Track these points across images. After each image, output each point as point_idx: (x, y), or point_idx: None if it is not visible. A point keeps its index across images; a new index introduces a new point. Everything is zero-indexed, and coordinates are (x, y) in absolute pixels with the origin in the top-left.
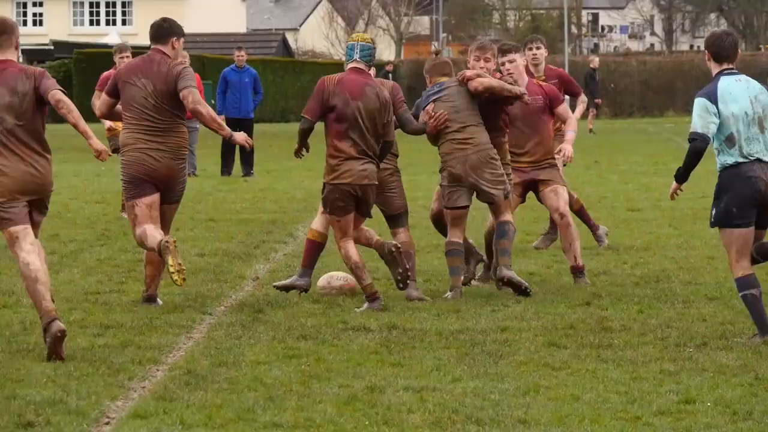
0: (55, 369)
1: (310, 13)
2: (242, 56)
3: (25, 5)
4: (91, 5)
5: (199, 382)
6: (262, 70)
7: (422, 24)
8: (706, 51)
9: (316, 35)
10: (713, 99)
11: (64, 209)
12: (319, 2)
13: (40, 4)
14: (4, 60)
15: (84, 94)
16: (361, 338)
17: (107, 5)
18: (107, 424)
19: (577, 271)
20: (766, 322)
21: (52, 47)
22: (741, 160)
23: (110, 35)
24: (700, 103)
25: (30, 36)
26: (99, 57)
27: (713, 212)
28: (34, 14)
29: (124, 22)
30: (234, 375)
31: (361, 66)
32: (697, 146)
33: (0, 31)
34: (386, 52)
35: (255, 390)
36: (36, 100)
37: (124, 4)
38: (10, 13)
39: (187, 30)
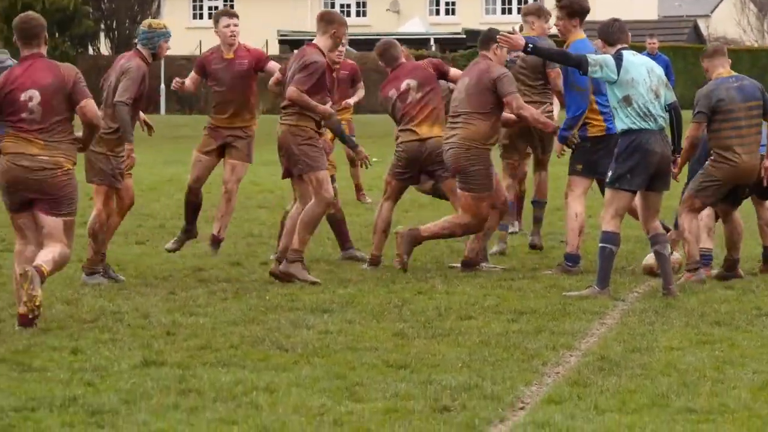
0: (470, 354)
1: (722, 0)
2: (654, 44)
3: None
4: None
5: (613, 367)
6: (673, 57)
7: None
8: (600, 40)
9: (728, 22)
10: (618, 62)
11: None
12: None
13: None
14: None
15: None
16: None
17: None
18: (522, 409)
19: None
20: (607, 279)
21: (464, 36)
22: (641, 125)
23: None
24: (608, 57)
25: (443, 25)
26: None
27: (610, 173)
28: (447, 3)
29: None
30: (647, 361)
31: None
32: (580, 59)
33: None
34: None
35: (668, 375)
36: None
37: None
38: (424, 1)
39: (590, 18)
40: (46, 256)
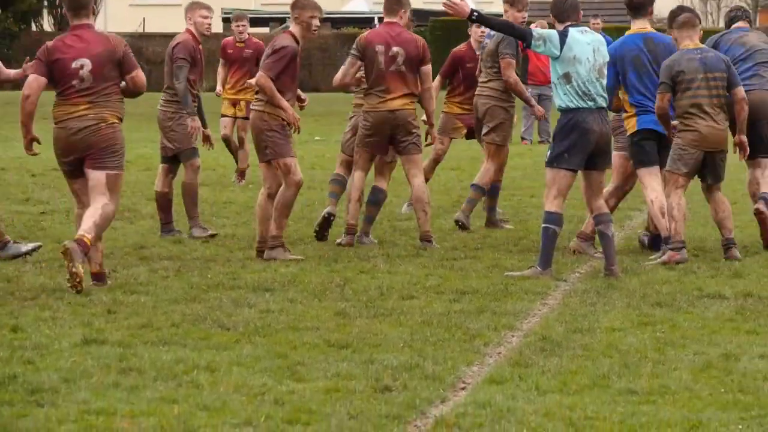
0: (412, 334)
1: None
2: (598, 24)
3: None
4: None
5: (554, 348)
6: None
7: None
8: (551, 16)
9: (672, 3)
10: (562, 38)
11: None
12: None
13: None
14: None
15: (436, 63)
16: (716, 306)
17: None
18: (463, 389)
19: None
20: (550, 259)
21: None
22: (579, 104)
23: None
24: (553, 32)
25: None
26: (453, 25)
27: (548, 152)
28: None
29: None
30: (589, 341)
31: None
32: (523, 31)
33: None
34: None
35: (610, 356)
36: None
37: None
38: None
39: None
40: (87, 222)
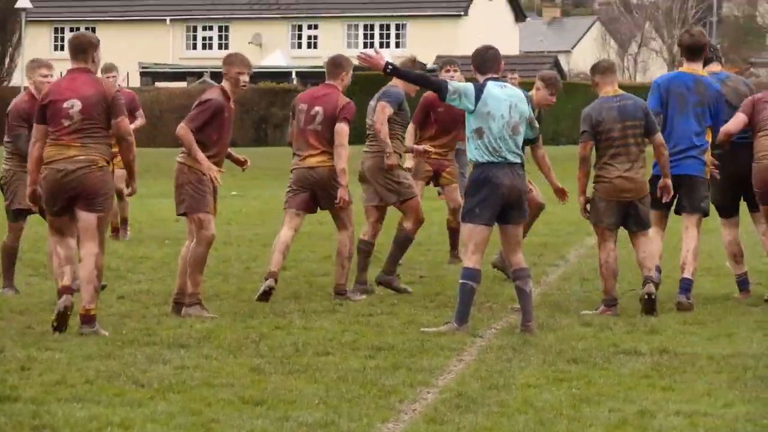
0: (327, 391)
1: (583, 36)
2: (515, 79)
3: (300, 28)
4: (365, 27)
5: (470, 404)
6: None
7: None
8: (472, 65)
9: (589, 57)
10: (478, 93)
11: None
12: (592, 24)
13: (315, 27)
14: None
15: (358, 116)
16: (632, 362)
17: (381, 27)
18: None
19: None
20: (466, 316)
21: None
22: (490, 158)
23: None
24: (470, 86)
25: (305, 59)
26: (371, 78)
27: (463, 207)
28: (309, 37)
29: (397, 45)
30: (504, 398)
31: None
32: (440, 83)
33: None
34: (658, 74)
35: (525, 413)
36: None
37: (398, 27)
38: (286, 35)
39: (461, 52)
40: (88, 292)
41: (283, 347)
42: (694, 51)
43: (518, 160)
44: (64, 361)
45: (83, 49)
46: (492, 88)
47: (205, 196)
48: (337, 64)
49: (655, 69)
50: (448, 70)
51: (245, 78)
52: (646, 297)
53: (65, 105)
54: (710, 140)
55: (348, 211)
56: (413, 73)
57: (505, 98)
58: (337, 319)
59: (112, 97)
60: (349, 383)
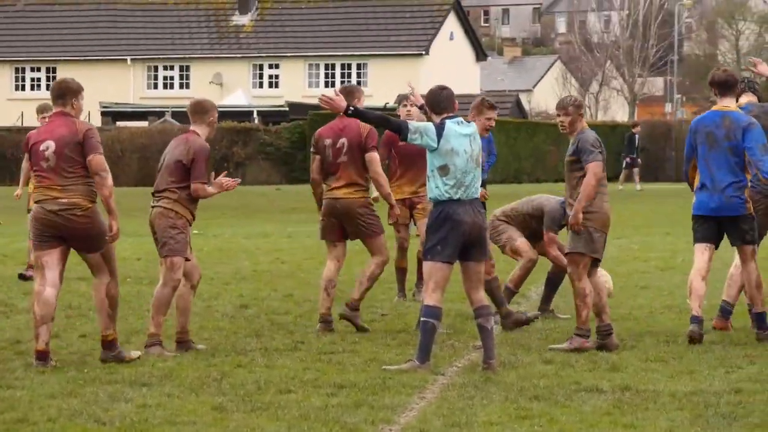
0: (289, 428)
1: (544, 74)
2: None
3: (261, 67)
4: (326, 67)
5: None
6: (495, 132)
7: (656, 85)
8: (426, 106)
9: (550, 96)
10: (439, 131)
11: (298, 269)
12: (553, 63)
13: (277, 66)
14: None
15: None
16: (594, 399)
17: (342, 66)
18: None
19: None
20: (428, 354)
21: (287, 109)
22: (452, 196)
23: None
24: (430, 125)
25: (266, 98)
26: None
27: (424, 244)
28: (270, 76)
29: (359, 84)
30: None
31: None
32: (400, 124)
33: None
34: (620, 112)
35: None
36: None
37: (359, 66)
38: (247, 74)
39: (422, 91)
40: (103, 319)
41: (245, 385)
42: (726, 87)
43: (477, 196)
44: (25, 399)
45: (62, 94)
46: (451, 125)
47: (188, 243)
48: (348, 92)
49: (616, 108)
50: (405, 105)
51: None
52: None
53: (41, 147)
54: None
55: (378, 238)
56: (374, 115)
57: (464, 134)
58: (299, 356)
59: (83, 134)
60: (311, 421)
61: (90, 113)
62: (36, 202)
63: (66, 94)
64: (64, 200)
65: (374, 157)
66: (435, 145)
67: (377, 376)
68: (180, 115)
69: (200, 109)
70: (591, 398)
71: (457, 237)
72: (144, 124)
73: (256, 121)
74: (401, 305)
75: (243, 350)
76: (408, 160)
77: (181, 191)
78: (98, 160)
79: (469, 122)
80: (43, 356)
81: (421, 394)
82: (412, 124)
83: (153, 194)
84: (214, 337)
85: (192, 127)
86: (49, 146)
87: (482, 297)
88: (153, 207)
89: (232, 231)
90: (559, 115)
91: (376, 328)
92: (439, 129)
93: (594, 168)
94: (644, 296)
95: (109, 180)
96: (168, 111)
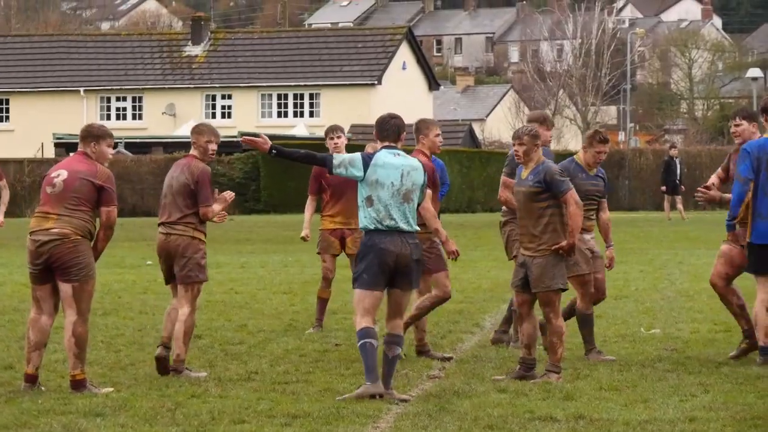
0: None
1: (497, 104)
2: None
3: (214, 98)
4: (279, 97)
5: None
6: (448, 161)
7: (609, 114)
8: (374, 132)
9: (503, 125)
10: (366, 161)
11: (251, 300)
12: (506, 93)
13: (229, 97)
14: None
15: (271, 185)
16: (548, 428)
17: (295, 97)
18: None
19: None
20: (375, 370)
21: (239, 139)
22: (378, 226)
23: (297, 127)
24: (357, 155)
25: (219, 128)
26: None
27: (354, 272)
28: (223, 107)
29: (311, 114)
30: None
31: None
32: (324, 159)
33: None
34: (572, 141)
35: None
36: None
37: (312, 96)
38: (200, 105)
39: (374, 120)
40: (71, 359)
41: (198, 416)
42: None
43: (411, 229)
44: None
45: (83, 137)
46: (384, 156)
47: (206, 267)
48: (415, 127)
49: (569, 136)
50: (332, 138)
51: (213, 147)
52: None
53: (53, 174)
54: None
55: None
56: (297, 153)
57: (397, 166)
58: (252, 387)
59: (103, 180)
60: None
61: (43, 144)
62: (29, 233)
63: (86, 136)
64: (55, 230)
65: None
66: (361, 176)
67: (331, 405)
68: (133, 146)
69: (196, 131)
70: (545, 427)
71: (382, 266)
72: None
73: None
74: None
75: (197, 381)
76: (338, 191)
77: (196, 216)
78: (115, 214)
79: (405, 155)
80: (32, 379)
81: (375, 423)
82: (337, 157)
83: (165, 222)
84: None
85: (192, 152)
86: (61, 174)
87: (397, 325)
88: (168, 234)
89: None
90: (514, 145)
91: (330, 358)
92: (367, 159)
93: (574, 196)
94: (598, 324)
95: (111, 236)
96: (121, 142)
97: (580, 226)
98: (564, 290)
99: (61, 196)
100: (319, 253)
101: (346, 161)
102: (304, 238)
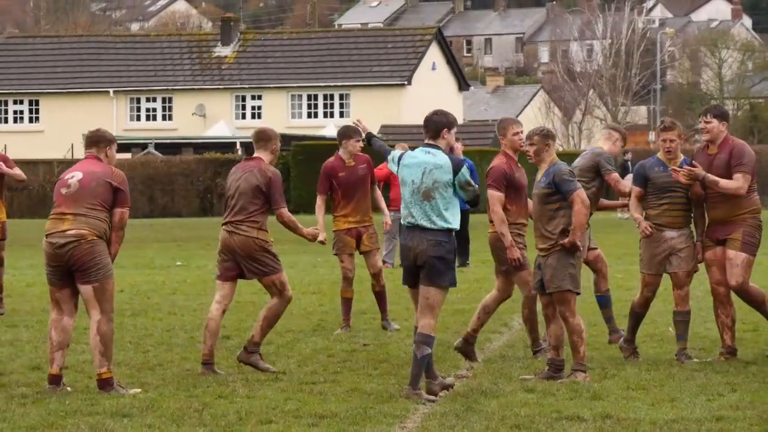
0: None
1: (527, 104)
2: (459, 147)
3: (244, 98)
4: (309, 98)
5: None
6: (478, 161)
7: (639, 114)
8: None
9: (533, 125)
10: (398, 160)
11: None
12: (536, 93)
13: (259, 98)
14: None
15: (301, 185)
16: (575, 427)
17: (325, 97)
18: None
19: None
20: (419, 377)
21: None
22: (403, 221)
23: (327, 127)
24: (397, 153)
25: (249, 129)
26: (316, 149)
27: None
28: (253, 107)
29: (341, 114)
30: None
31: None
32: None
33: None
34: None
35: None
36: None
37: (342, 96)
38: (230, 105)
39: (404, 121)
40: (96, 357)
41: (226, 416)
42: None
43: (433, 226)
44: (6, 431)
45: (95, 142)
46: (413, 154)
47: (279, 261)
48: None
49: (599, 136)
50: (357, 140)
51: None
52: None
53: (67, 176)
54: None
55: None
56: (384, 147)
57: (420, 164)
58: (280, 387)
59: (119, 182)
60: None
61: (73, 145)
62: (46, 236)
63: (99, 141)
64: (71, 231)
65: (492, 195)
66: (396, 172)
67: (358, 405)
68: (163, 147)
69: (264, 137)
70: (572, 427)
71: (406, 261)
72: (127, 155)
73: (240, 152)
74: (383, 335)
75: (224, 381)
76: (349, 191)
77: (262, 216)
78: (127, 216)
79: (436, 153)
80: (56, 380)
81: (402, 423)
82: (392, 153)
83: (230, 222)
84: (196, 367)
85: (256, 154)
86: (75, 175)
87: (427, 324)
88: (234, 233)
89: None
90: (525, 146)
91: (358, 358)
92: (400, 157)
93: (581, 195)
94: (627, 324)
95: (123, 237)
96: (151, 142)
97: (584, 224)
98: (577, 294)
99: (78, 195)
100: (336, 254)
101: (391, 157)
102: (322, 242)
